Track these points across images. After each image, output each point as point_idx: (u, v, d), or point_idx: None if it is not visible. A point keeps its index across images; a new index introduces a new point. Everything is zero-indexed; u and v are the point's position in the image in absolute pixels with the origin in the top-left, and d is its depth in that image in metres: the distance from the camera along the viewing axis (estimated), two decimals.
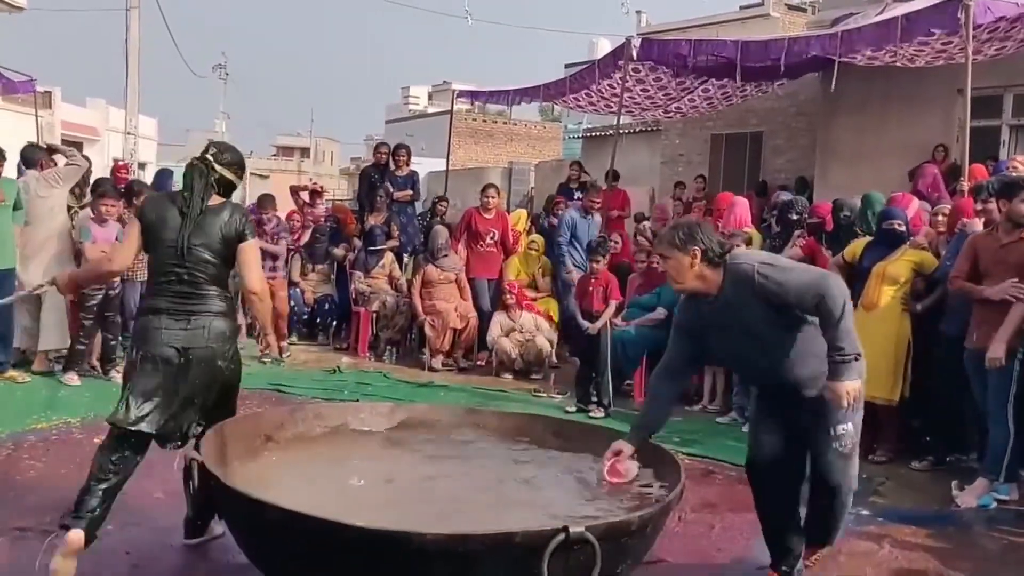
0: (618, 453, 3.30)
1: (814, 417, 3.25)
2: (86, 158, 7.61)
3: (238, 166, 3.64)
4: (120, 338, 7.61)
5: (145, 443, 3.35)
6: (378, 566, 2.54)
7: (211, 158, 3.51)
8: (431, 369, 7.97)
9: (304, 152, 55.50)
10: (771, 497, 3.45)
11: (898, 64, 8.76)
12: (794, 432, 3.36)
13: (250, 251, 3.49)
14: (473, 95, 13.28)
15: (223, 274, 3.49)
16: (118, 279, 7.19)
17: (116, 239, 6.84)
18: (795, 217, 6.80)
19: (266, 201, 8.93)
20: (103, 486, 3.28)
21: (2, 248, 6.52)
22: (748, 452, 3.49)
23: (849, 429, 3.27)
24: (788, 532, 3.47)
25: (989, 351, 4.52)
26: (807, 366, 3.20)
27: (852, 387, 3.08)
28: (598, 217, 8.60)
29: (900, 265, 5.49)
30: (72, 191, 7.68)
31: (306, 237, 9.64)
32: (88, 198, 7.69)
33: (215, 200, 3.51)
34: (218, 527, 3.59)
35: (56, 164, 7.46)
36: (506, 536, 2.52)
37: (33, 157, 7.31)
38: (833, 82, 8.03)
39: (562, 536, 2.46)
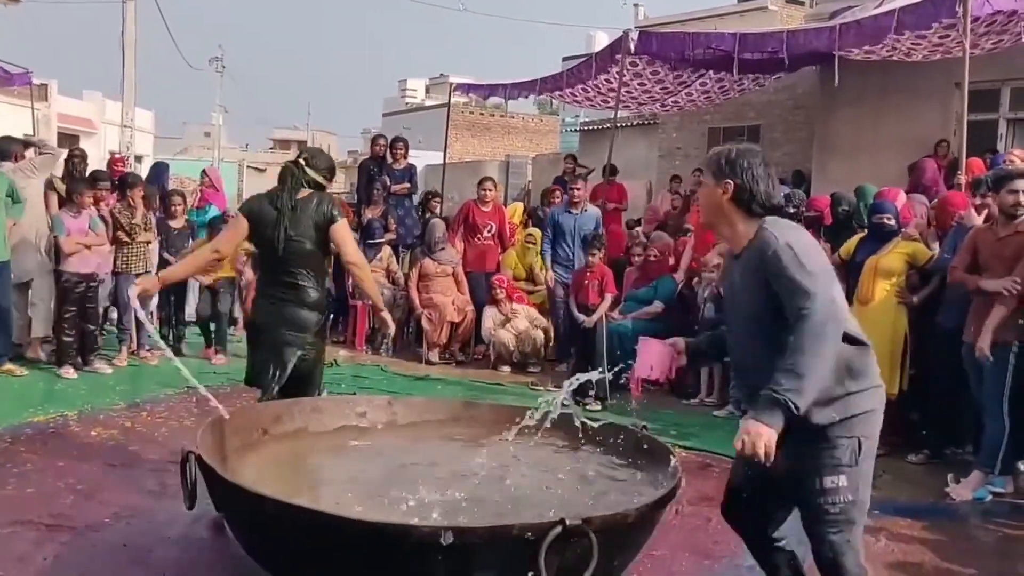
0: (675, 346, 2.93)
1: (798, 458, 2.51)
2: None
3: (328, 170, 4.14)
4: (103, 331, 7.66)
5: None
6: (376, 559, 2.54)
7: (303, 161, 4.05)
8: (428, 362, 7.98)
9: (301, 145, 55.36)
10: (746, 537, 2.94)
11: (895, 59, 8.76)
12: (777, 479, 2.60)
13: (341, 229, 3.98)
14: (470, 88, 13.25)
15: (320, 261, 3.98)
16: (107, 271, 7.22)
17: (89, 229, 6.88)
18: (792, 210, 6.79)
19: None
20: None
21: None
22: (727, 485, 2.91)
23: (843, 484, 2.49)
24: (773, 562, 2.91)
25: (979, 342, 4.55)
26: None
27: (760, 434, 2.32)
28: (592, 209, 8.41)
29: (893, 258, 5.49)
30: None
31: None
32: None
33: (303, 193, 3.98)
34: None
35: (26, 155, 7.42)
36: (503, 529, 2.53)
37: (8, 149, 7.29)
38: (836, 77, 8.00)
39: (559, 528, 2.46)
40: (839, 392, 2.49)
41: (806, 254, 2.46)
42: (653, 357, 2.87)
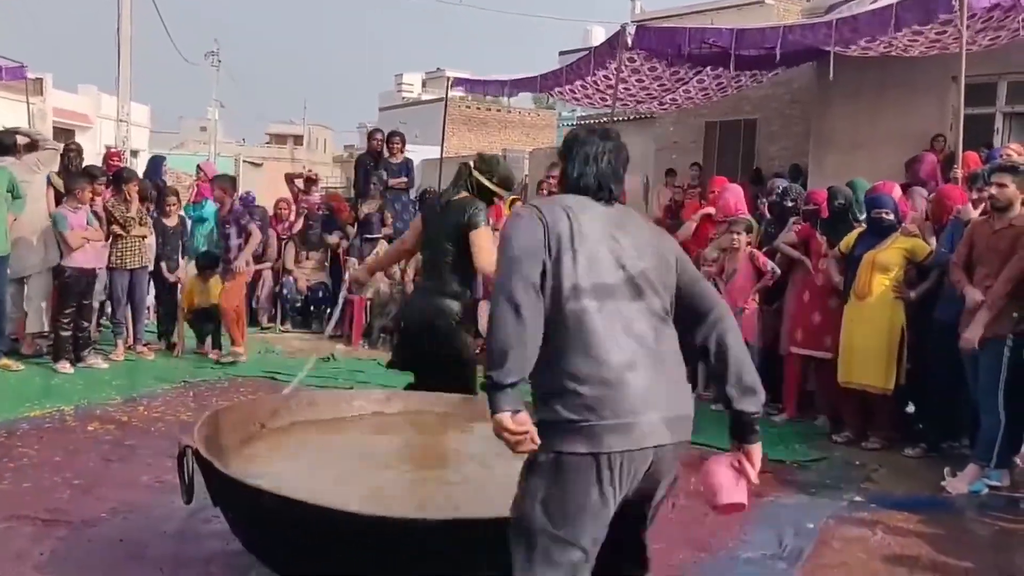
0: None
1: None
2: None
3: (500, 181, 4.20)
4: (100, 326, 7.64)
5: None
6: (380, 553, 2.54)
7: (471, 164, 4.23)
8: None
9: (297, 140, 55.27)
10: None
11: (892, 54, 8.75)
12: None
13: (478, 237, 4.01)
14: (469, 84, 13.22)
15: (460, 261, 4.03)
16: (103, 266, 7.20)
17: (87, 223, 6.87)
18: (790, 204, 6.80)
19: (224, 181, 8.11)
20: None
21: None
22: None
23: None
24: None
25: (966, 332, 4.60)
26: None
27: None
28: None
29: (891, 253, 5.49)
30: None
31: (299, 225, 9.62)
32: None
33: (461, 195, 4.12)
34: None
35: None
36: (506, 521, 2.52)
37: (10, 143, 7.26)
38: (831, 72, 8.00)
39: None
40: None
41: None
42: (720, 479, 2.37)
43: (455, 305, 4.06)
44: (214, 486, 2.87)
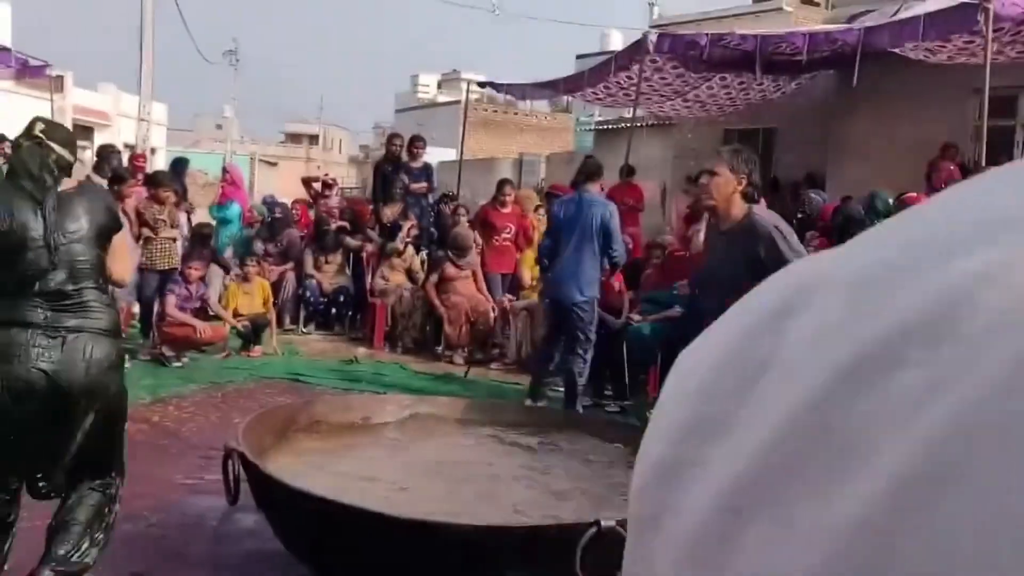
0: None
1: None
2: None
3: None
4: (130, 326, 7.73)
5: None
6: (414, 555, 2.62)
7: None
8: (448, 361, 8.05)
9: (313, 139, 55.53)
10: None
11: (920, 56, 8.73)
12: None
13: None
14: (490, 86, 13.29)
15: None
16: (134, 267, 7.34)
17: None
18: (813, 216, 6.86)
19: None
20: None
21: None
22: None
23: None
24: None
25: None
26: None
27: None
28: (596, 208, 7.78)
29: None
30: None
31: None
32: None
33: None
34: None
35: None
36: (541, 529, 2.61)
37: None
38: (855, 77, 8.00)
39: (594, 530, 2.53)
40: None
41: (791, 237, 3.41)
42: None
43: None
44: (258, 488, 2.96)
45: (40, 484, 2.80)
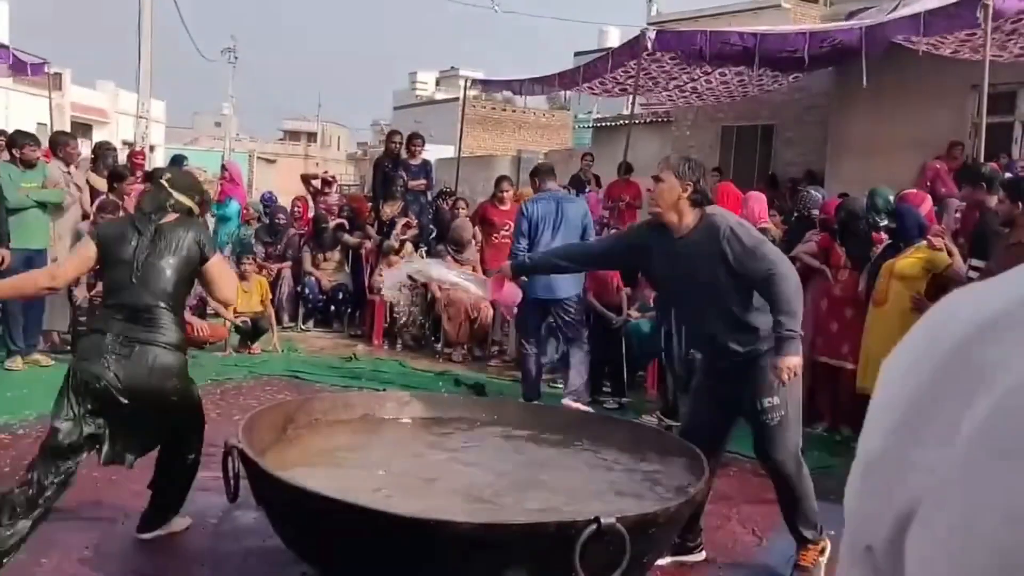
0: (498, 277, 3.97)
1: (747, 392, 3.42)
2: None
3: None
4: None
5: None
6: (414, 552, 2.63)
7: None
8: (447, 359, 8.06)
9: (311, 137, 55.52)
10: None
11: (924, 48, 8.72)
12: (727, 407, 3.55)
13: None
14: (486, 83, 13.30)
15: None
16: None
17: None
18: (807, 214, 6.87)
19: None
20: None
21: (37, 229, 6.74)
22: (684, 421, 3.89)
23: (776, 402, 3.39)
24: None
25: None
26: (746, 337, 3.40)
27: (792, 362, 3.24)
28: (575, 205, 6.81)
29: (910, 262, 5.55)
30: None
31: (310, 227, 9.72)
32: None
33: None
34: (181, 522, 3.69)
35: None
36: (540, 526, 2.61)
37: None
38: (864, 76, 7.95)
39: (594, 527, 2.54)
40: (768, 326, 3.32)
41: (745, 227, 3.45)
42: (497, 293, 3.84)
43: None
44: (258, 485, 2.97)
45: (107, 451, 3.35)
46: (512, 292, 4.07)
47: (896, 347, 0.58)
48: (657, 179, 3.50)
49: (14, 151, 6.70)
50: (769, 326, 3.33)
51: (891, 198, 6.33)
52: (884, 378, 0.58)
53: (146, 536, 3.57)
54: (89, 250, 3.41)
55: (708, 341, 3.56)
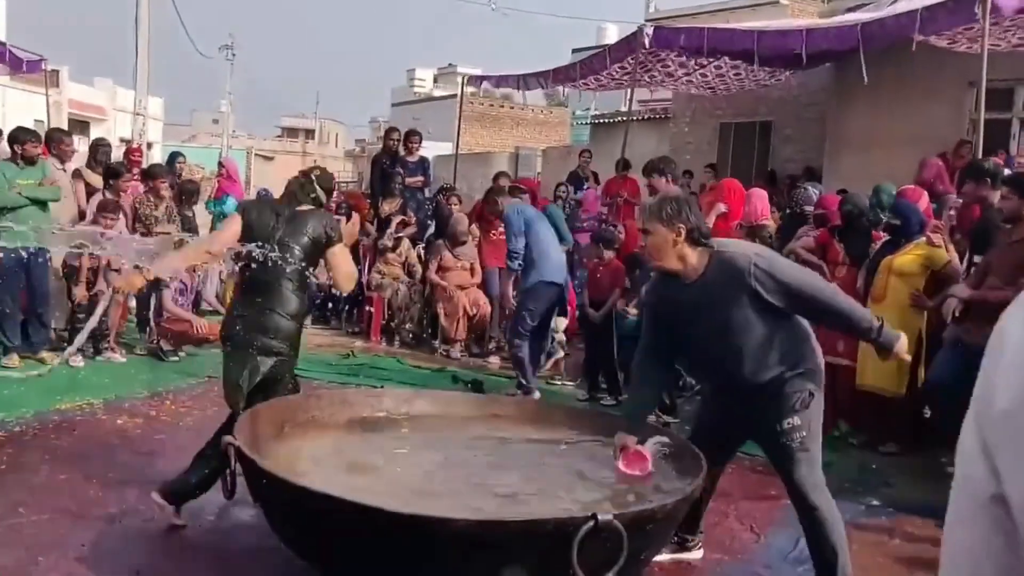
0: (624, 448, 3.22)
1: (763, 415, 3.18)
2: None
3: None
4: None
5: None
6: (412, 549, 2.63)
7: None
8: (445, 355, 8.06)
9: (309, 134, 55.45)
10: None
11: (922, 39, 8.70)
12: (740, 426, 3.37)
13: None
14: (483, 80, 13.27)
15: None
16: None
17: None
18: (797, 210, 6.88)
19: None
20: None
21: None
22: (691, 431, 3.67)
23: (797, 423, 3.12)
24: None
25: (951, 291, 4.85)
26: (769, 369, 3.13)
27: (902, 345, 3.13)
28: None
29: (908, 259, 5.54)
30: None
31: None
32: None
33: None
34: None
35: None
36: (538, 523, 2.61)
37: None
38: (864, 73, 7.93)
39: (591, 523, 2.54)
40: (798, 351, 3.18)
41: (766, 254, 3.23)
42: (632, 466, 3.23)
43: None
44: (255, 483, 2.97)
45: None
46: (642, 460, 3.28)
47: (1011, 311, 0.68)
48: (645, 232, 3.17)
49: (15, 147, 6.67)
50: (791, 354, 3.13)
51: (895, 194, 6.33)
52: (1008, 341, 0.69)
53: (156, 496, 3.70)
54: (237, 224, 3.76)
55: (727, 378, 3.27)
